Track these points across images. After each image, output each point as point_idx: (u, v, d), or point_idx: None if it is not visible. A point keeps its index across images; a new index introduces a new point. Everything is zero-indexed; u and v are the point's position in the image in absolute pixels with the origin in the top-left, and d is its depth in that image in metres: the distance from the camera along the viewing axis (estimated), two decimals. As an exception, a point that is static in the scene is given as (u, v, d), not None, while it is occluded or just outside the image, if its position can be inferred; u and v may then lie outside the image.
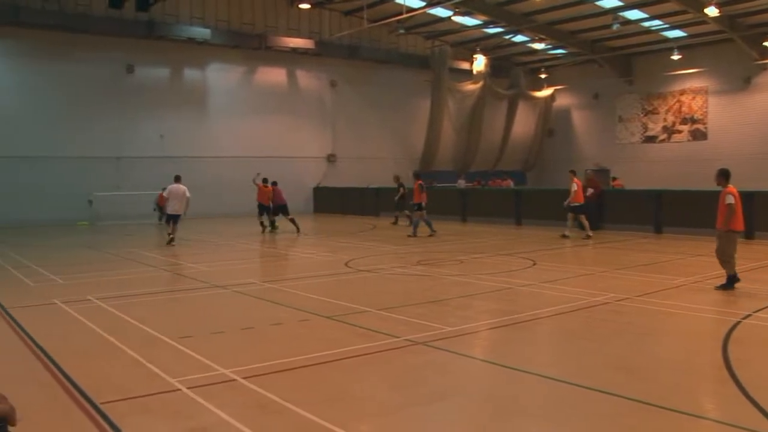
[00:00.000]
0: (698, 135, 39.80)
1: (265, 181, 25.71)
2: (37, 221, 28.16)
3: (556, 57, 45.03)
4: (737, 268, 11.79)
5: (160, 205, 24.65)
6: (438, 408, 6.11)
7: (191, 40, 32.65)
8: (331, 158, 38.74)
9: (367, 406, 6.23)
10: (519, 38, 41.33)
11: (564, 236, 21.45)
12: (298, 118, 37.37)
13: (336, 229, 26.18)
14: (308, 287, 12.90)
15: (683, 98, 40.49)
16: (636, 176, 37.87)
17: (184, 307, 11.49)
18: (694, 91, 39.91)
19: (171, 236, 20.99)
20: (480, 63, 41.58)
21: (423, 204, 22.67)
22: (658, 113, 41.81)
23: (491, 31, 40.31)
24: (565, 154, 45.69)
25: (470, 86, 41.64)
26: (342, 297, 11.79)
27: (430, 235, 22.25)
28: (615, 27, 33.13)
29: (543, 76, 46.40)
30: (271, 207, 25.27)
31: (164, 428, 5.69)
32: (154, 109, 32.52)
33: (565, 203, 22.06)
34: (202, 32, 32.65)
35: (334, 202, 35.91)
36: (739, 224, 11.78)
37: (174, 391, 6.55)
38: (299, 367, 7.38)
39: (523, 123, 45.36)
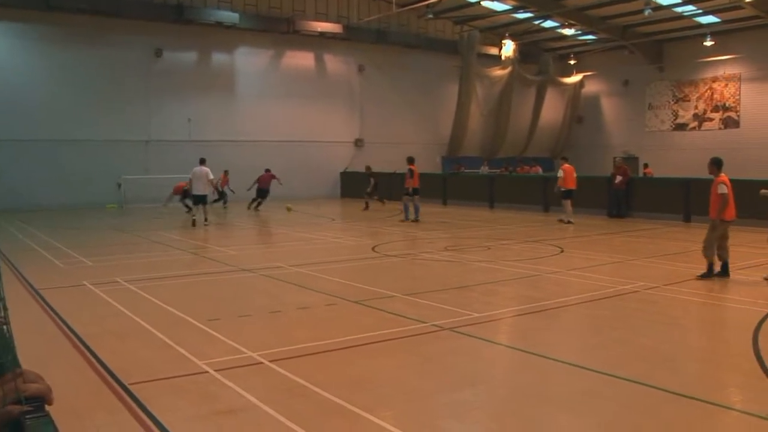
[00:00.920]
0: (730, 123, 39.14)
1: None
2: (66, 204, 28.46)
3: (585, 43, 44.47)
4: (733, 259, 11.70)
5: (177, 194, 24.84)
6: (465, 395, 6.08)
7: (219, 24, 32.67)
8: (358, 143, 38.67)
9: (394, 391, 6.22)
10: (548, 24, 40.87)
11: (561, 221, 22.10)
12: (326, 103, 37.32)
13: (363, 214, 26.19)
14: (335, 272, 12.91)
15: (715, 85, 39.81)
16: (665, 164, 37.37)
17: (211, 289, 11.55)
18: (727, 78, 39.21)
19: (196, 220, 21.30)
20: (509, 48, 41.21)
21: (410, 189, 22.77)
22: (689, 101, 41.17)
23: (520, 16, 39.86)
24: (594, 141, 45.22)
25: (499, 72, 41.30)
26: (369, 282, 11.79)
27: (413, 221, 22.46)
28: (647, 12, 32.52)
29: (572, 62, 45.85)
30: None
31: (192, 410, 5.72)
32: (182, 93, 32.64)
33: (555, 189, 22.79)
34: (230, 16, 32.66)
35: (362, 186, 35.86)
36: (730, 214, 11.72)
37: (202, 373, 6.59)
38: (326, 351, 7.39)
39: (552, 109, 44.92)
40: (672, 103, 41.98)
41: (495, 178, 30.84)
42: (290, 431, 5.17)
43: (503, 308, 9.79)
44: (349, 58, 38.20)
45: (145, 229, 20.90)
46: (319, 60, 37.36)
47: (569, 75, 45.37)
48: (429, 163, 38.66)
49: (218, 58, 34.16)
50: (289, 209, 26.41)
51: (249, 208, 28.42)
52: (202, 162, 21.97)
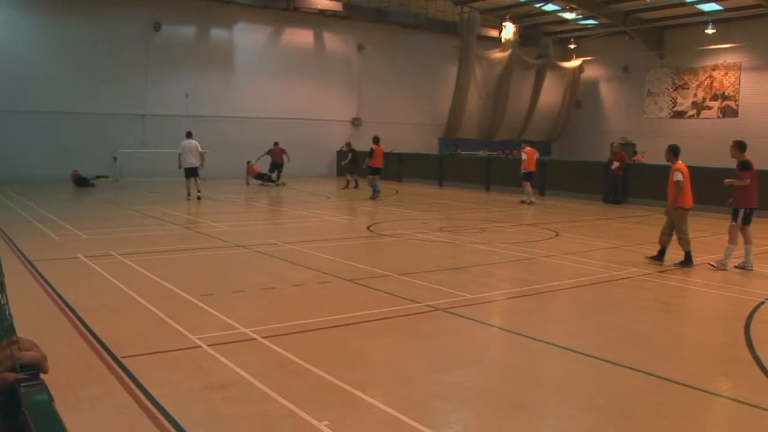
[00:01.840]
0: (728, 112, 39.09)
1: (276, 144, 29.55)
2: (61, 176, 28.34)
3: (586, 27, 44.27)
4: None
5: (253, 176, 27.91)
6: (457, 376, 6.10)
7: (219, -1, 32.48)
8: (356, 122, 38.53)
9: (386, 370, 6.24)
10: (549, 7, 40.62)
11: (523, 202, 23.00)
12: (324, 81, 37.14)
13: (358, 193, 26.17)
14: (330, 250, 12.90)
15: (715, 74, 39.72)
16: (662, 151, 37.24)
17: (205, 265, 11.55)
18: (727, 66, 39.11)
19: (190, 193, 21.44)
20: (509, 31, 40.95)
21: (370, 167, 24.58)
22: (688, 88, 41.08)
23: (522, -2, 39.68)
24: (592, 126, 45.14)
25: (498, 54, 41.10)
26: (363, 260, 11.81)
27: (371, 198, 23.43)
28: (649, -1, 32.47)
29: (572, 46, 45.65)
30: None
31: (185, 384, 5.74)
32: (180, 67, 32.43)
33: (521, 174, 23.78)
34: (230, -9, 32.44)
35: (358, 165, 35.81)
36: (688, 201, 11.89)
37: (195, 347, 6.61)
38: (319, 329, 7.41)
39: (551, 93, 44.78)
40: (671, 90, 41.88)
41: (492, 161, 30.81)
42: (282, 407, 5.19)
43: (497, 290, 9.81)
44: (348, 37, 37.97)
45: (139, 203, 20.85)
46: (318, 38, 37.13)
47: (569, 59, 45.18)
48: (426, 144, 38.59)
49: (217, 33, 33.93)
50: (284, 184, 26.68)
51: (278, 184, 28.92)
52: (189, 135, 22.13)
